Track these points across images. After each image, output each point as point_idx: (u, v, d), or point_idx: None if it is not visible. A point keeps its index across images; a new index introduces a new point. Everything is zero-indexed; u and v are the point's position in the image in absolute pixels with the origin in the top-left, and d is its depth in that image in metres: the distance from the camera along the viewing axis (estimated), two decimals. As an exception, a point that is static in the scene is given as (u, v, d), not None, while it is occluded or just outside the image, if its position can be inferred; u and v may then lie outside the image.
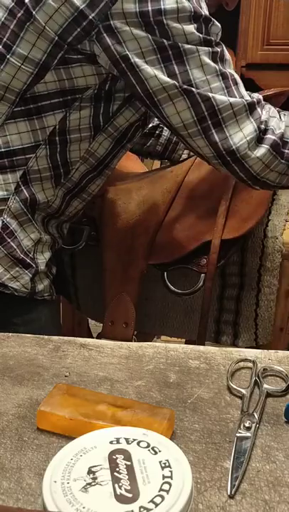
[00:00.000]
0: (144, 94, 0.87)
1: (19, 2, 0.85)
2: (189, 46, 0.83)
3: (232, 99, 0.86)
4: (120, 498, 0.43)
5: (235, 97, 0.87)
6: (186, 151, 1.35)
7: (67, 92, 0.90)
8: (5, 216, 0.95)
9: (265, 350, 0.77)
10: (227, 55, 0.89)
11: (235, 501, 0.52)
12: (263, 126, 0.89)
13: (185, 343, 1.36)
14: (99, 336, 1.14)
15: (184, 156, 1.35)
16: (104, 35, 0.83)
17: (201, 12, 0.84)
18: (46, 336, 0.80)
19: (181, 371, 0.72)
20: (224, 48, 0.88)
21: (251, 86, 2.76)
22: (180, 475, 0.45)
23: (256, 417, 0.62)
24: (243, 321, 1.17)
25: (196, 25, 0.83)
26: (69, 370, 0.72)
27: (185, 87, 0.84)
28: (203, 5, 0.86)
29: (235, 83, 0.88)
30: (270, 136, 0.89)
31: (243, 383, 0.69)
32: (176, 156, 1.35)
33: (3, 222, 0.95)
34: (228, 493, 0.53)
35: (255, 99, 0.88)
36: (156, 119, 1.30)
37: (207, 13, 0.86)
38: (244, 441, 0.59)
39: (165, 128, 1.32)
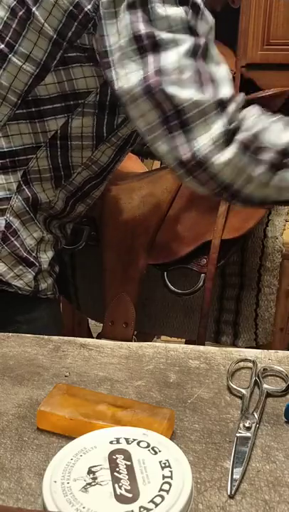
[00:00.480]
0: (116, 94, 0.83)
1: (20, 1, 0.85)
2: (167, 35, 0.78)
3: (198, 97, 0.77)
4: (120, 498, 0.43)
5: (204, 95, 0.78)
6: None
7: (69, 97, 0.90)
8: (8, 215, 0.95)
9: (265, 350, 0.77)
10: (213, 51, 0.82)
11: (235, 501, 0.52)
12: (234, 124, 0.78)
13: (185, 343, 1.36)
14: (99, 336, 1.14)
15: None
16: (97, 26, 0.82)
17: None
18: (46, 336, 0.80)
19: (181, 371, 0.72)
20: (211, 43, 0.82)
21: (251, 86, 2.76)
22: (180, 475, 0.45)
23: (256, 417, 0.62)
24: (243, 321, 1.17)
25: (182, 8, 0.78)
26: (69, 370, 0.72)
27: (147, 84, 0.78)
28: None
29: (212, 80, 0.79)
30: (238, 137, 0.78)
31: (243, 383, 0.69)
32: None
33: (7, 221, 0.95)
34: (228, 493, 0.53)
35: (228, 96, 0.79)
36: None
37: (200, 1, 0.80)
38: (244, 441, 0.59)
39: None
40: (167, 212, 1.18)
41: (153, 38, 0.78)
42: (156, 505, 0.42)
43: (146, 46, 0.78)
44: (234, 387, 0.68)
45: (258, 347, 1.14)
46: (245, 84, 2.85)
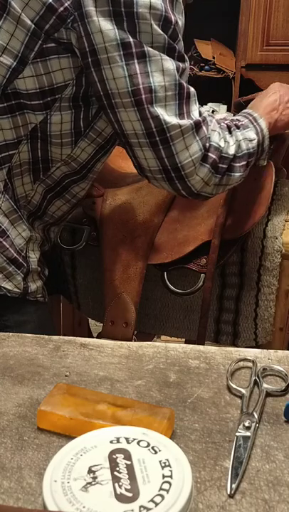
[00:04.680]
0: (104, 94, 0.87)
1: None
2: (152, 50, 0.83)
3: (180, 120, 0.87)
4: (120, 498, 0.43)
5: (183, 114, 0.87)
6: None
7: (47, 92, 0.89)
8: None
9: (265, 350, 0.77)
10: (187, 69, 0.90)
11: (235, 500, 0.52)
12: (207, 144, 0.91)
13: (185, 343, 1.36)
14: (99, 336, 1.15)
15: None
16: (79, 23, 0.82)
17: (172, 19, 0.83)
18: (47, 336, 0.80)
19: (181, 371, 0.72)
20: (186, 62, 0.89)
21: (251, 86, 2.76)
22: (180, 474, 0.45)
23: (256, 416, 0.63)
24: (242, 321, 1.17)
25: (164, 28, 0.83)
26: (69, 369, 0.72)
27: (138, 98, 0.84)
28: (179, 15, 0.85)
29: (188, 97, 0.88)
30: (210, 155, 0.91)
31: (242, 383, 0.70)
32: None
33: None
34: (228, 493, 0.53)
35: (200, 118, 0.89)
36: None
37: (180, 23, 0.85)
38: (244, 440, 0.59)
39: None
40: (167, 212, 1.18)
41: (141, 49, 0.82)
42: (156, 504, 0.42)
43: (133, 54, 0.83)
44: (234, 386, 0.68)
45: (257, 347, 1.14)
46: (245, 85, 2.85)
